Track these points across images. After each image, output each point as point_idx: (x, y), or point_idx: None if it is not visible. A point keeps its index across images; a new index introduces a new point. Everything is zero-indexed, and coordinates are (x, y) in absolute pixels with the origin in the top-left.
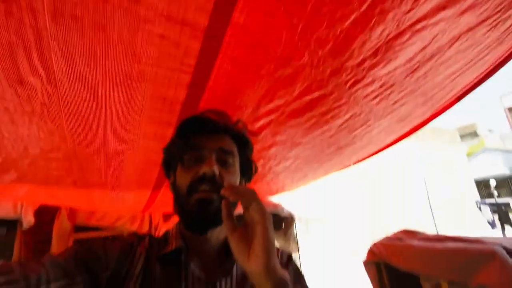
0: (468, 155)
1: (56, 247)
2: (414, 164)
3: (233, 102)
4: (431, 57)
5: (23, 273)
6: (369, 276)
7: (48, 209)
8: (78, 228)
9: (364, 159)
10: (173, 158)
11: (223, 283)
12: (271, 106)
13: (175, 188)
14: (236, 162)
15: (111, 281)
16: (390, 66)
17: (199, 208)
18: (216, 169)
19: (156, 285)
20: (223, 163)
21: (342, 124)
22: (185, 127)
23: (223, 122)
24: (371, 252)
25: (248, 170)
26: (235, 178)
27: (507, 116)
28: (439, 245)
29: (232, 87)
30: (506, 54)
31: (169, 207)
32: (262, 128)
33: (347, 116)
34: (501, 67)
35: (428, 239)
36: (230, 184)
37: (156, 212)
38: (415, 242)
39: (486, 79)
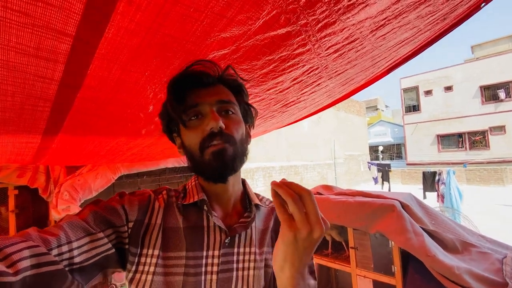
0: (368, 124)
1: None
2: (328, 128)
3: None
4: (398, 15)
5: (41, 237)
6: None
7: None
8: None
9: (298, 120)
10: (172, 121)
11: (242, 236)
12: (226, 34)
13: (185, 150)
14: (237, 110)
15: (134, 232)
16: (362, 15)
17: (216, 160)
18: (221, 122)
19: (178, 233)
20: (226, 113)
21: (297, 78)
22: (177, 86)
23: (214, 73)
24: None
25: (249, 114)
26: (241, 125)
27: (401, 95)
28: (350, 199)
29: None
30: (442, 30)
31: (72, 157)
32: None
33: (305, 69)
34: (434, 42)
35: (342, 193)
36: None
37: (55, 164)
38: (332, 196)
39: (417, 54)
